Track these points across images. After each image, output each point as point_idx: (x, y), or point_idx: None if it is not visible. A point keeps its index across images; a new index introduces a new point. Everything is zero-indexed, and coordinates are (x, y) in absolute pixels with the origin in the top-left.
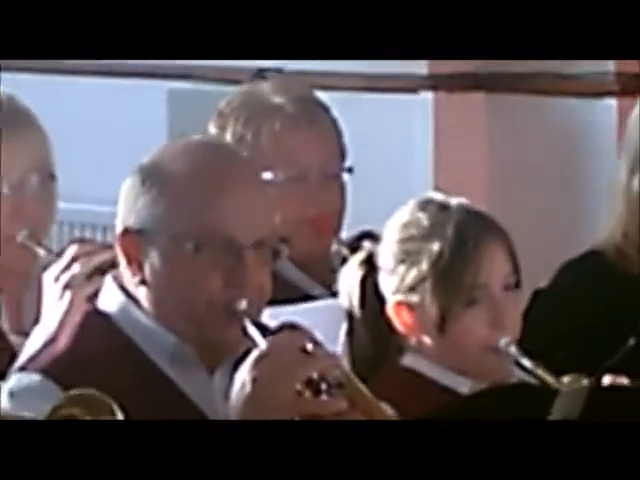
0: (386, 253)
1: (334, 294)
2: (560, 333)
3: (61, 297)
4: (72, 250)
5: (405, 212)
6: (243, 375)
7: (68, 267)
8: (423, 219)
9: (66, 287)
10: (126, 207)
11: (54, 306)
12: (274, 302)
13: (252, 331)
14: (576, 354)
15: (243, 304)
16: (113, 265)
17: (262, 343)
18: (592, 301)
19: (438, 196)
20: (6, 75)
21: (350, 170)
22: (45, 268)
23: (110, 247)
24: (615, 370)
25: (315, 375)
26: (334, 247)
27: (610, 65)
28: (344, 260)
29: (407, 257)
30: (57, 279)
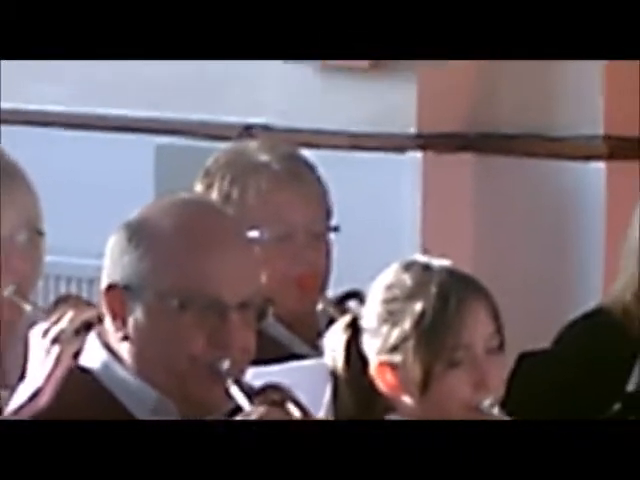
0: (370, 314)
1: (320, 353)
2: (555, 393)
3: (48, 352)
4: (61, 306)
5: (389, 273)
6: None
7: (56, 322)
8: (406, 280)
9: (54, 342)
10: (112, 262)
11: (41, 361)
12: (260, 361)
13: (235, 392)
14: (566, 415)
15: (226, 364)
16: (100, 321)
17: (244, 404)
18: (593, 361)
19: (422, 258)
20: None
21: (336, 229)
22: (31, 323)
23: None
24: None
25: None
26: (320, 306)
27: (599, 128)
28: (331, 319)
29: (390, 317)
30: (45, 334)
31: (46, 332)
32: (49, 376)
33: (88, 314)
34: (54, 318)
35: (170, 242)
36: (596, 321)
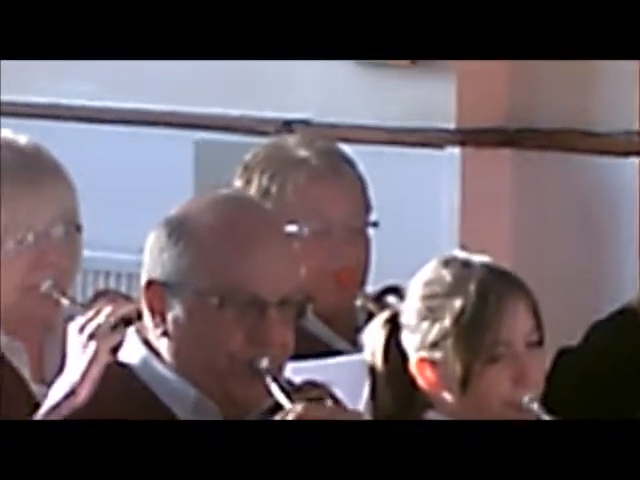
0: (409, 310)
1: (359, 349)
2: (587, 391)
3: (85, 347)
4: (99, 300)
5: (428, 270)
6: None
7: (94, 317)
8: (446, 276)
9: (91, 337)
10: (151, 259)
11: (78, 356)
12: (298, 356)
13: (274, 389)
14: (601, 413)
15: (265, 362)
16: (138, 317)
17: (284, 401)
18: (623, 360)
19: (461, 254)
20: (33, 122)
21: (375, 224)
22: (69, 318)
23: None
24: None
25: None
26: (359, 301)
27: (638, 124)
28: (369, 315)
29: (430, 314)
30: (82, 329)
31: (83, 327)
32: (86, 372)
33: (126, 309)
34: (91, 313)
35: (209, 239)
36: (622, 321)
